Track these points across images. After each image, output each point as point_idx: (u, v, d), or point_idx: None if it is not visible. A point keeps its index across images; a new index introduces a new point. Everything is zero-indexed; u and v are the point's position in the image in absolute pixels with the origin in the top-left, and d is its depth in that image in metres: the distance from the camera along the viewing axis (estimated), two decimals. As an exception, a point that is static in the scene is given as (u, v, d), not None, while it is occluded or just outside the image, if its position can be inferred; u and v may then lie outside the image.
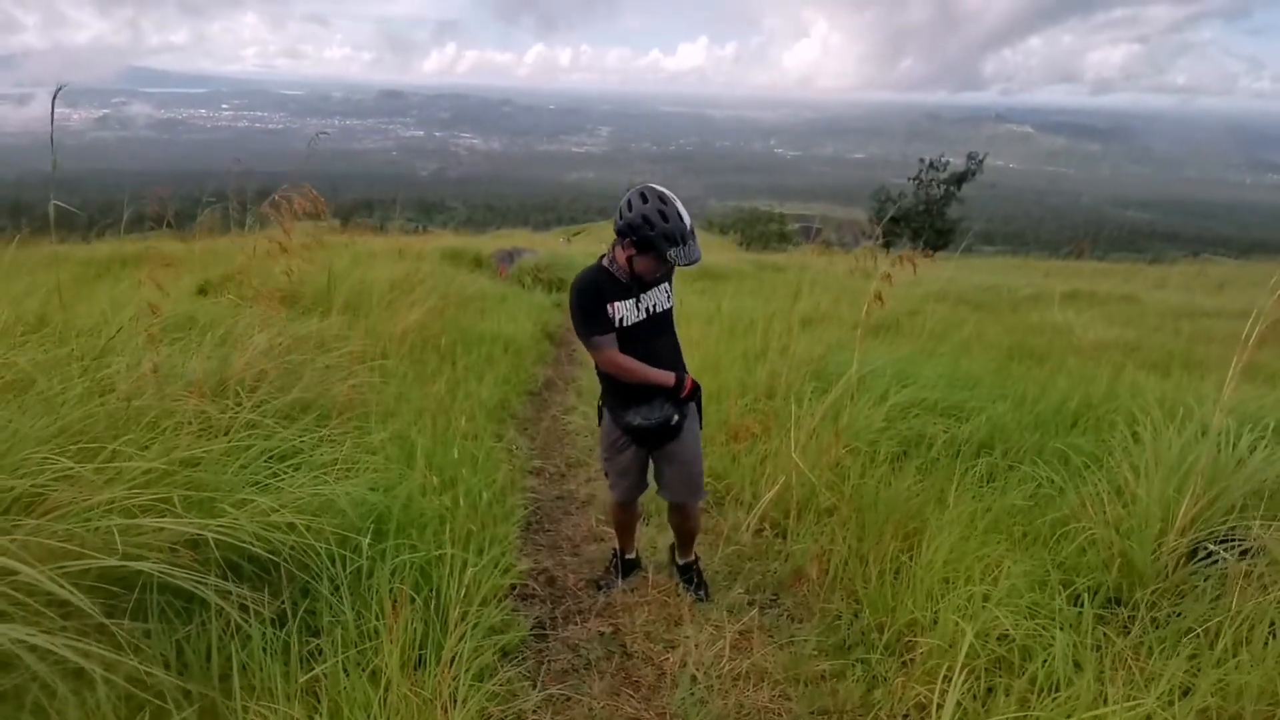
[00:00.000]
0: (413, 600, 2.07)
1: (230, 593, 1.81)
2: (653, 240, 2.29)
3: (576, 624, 2.69)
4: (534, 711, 2.12)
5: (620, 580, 2.94)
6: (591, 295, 2.43)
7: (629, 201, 2.34)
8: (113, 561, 1.58)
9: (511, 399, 5.35)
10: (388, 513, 2.33)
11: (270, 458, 2.38)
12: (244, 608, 1.83)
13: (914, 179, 41.73)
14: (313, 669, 1.78)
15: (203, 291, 5.86)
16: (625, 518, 2.92)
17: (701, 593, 2.87)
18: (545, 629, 2.64)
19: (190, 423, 2.34)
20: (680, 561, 2.96)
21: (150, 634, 1.70)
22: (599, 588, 2.93)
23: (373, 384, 3.50)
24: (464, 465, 3.15)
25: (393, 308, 5.76)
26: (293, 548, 2.02)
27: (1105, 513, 2.75)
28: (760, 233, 42.77)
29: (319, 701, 1.74)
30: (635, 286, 2.46)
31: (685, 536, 2.88)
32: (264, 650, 1.78)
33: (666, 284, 2.58)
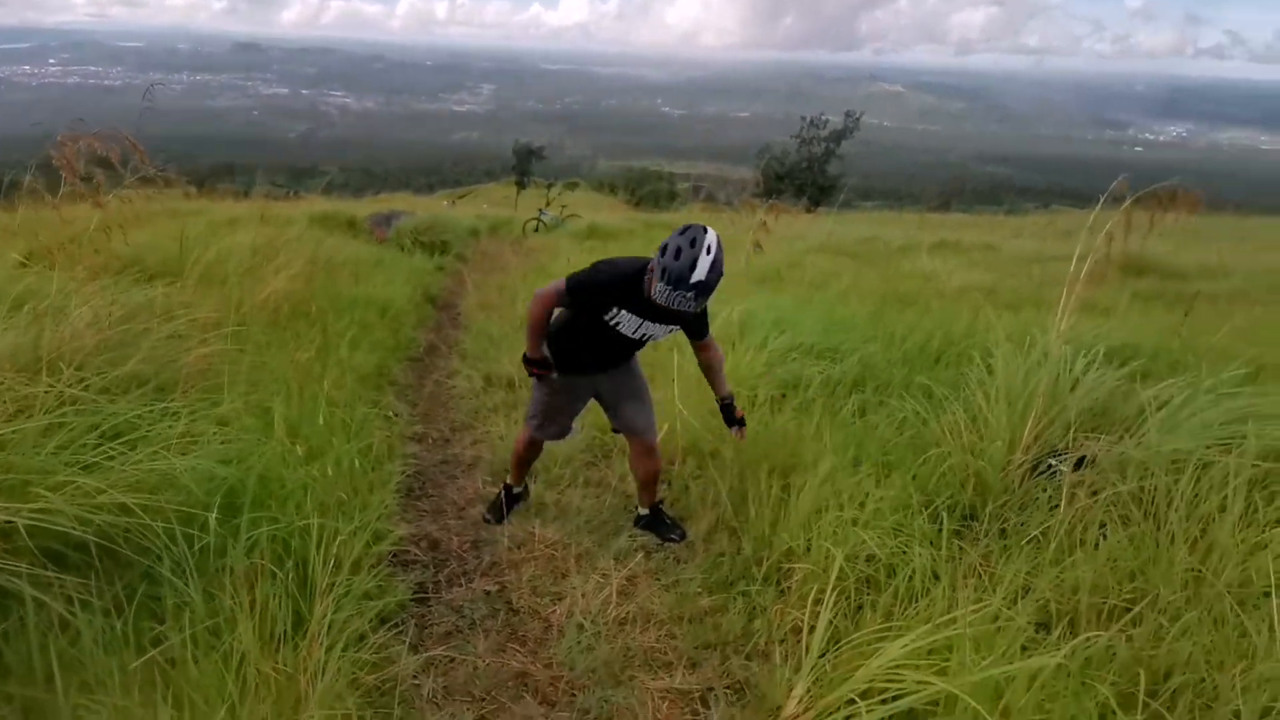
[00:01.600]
0: (274, 575, 1.93)
1: (50, 584, 1.62)
2: (657, 266, 2.23)
3: (461, 586, 2.62)
4: (414, 676, 2.06)
5: (507, 513, 3.06)
6: (605, 288, 2.42)
7: (684, 229, 2.29)
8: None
9: (390, 365, 5.11)
10: (241, 486, 2.15)
11: (101, 437, 2.14)
12: (70, 599, 1.65)
13: (796, 136, 42.93)
14: (152, 655, 1.62)
15: (25, 265, 5.21)
16: (533, 454, 3.03)
17: (676, 535, 2.94)
18: (428, 593, 2.56)
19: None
20: (644, 511, 3.01)
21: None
22: (486, 520, 3.06)
23: (227, 353, 3.22)
24: (334, 433, 2.98)
25: (254, 274, 5.32)
26: (127, 530, 1.84)
27: (962, 438, 2.95)
28: (650, 191, 42.86)
29: (166, 689, 1.60)
30: (648, 308, 2.40)
31: (652, 476, 2.92)
32: (95, 642, 1.61)
33: (674, 328, 2.57)
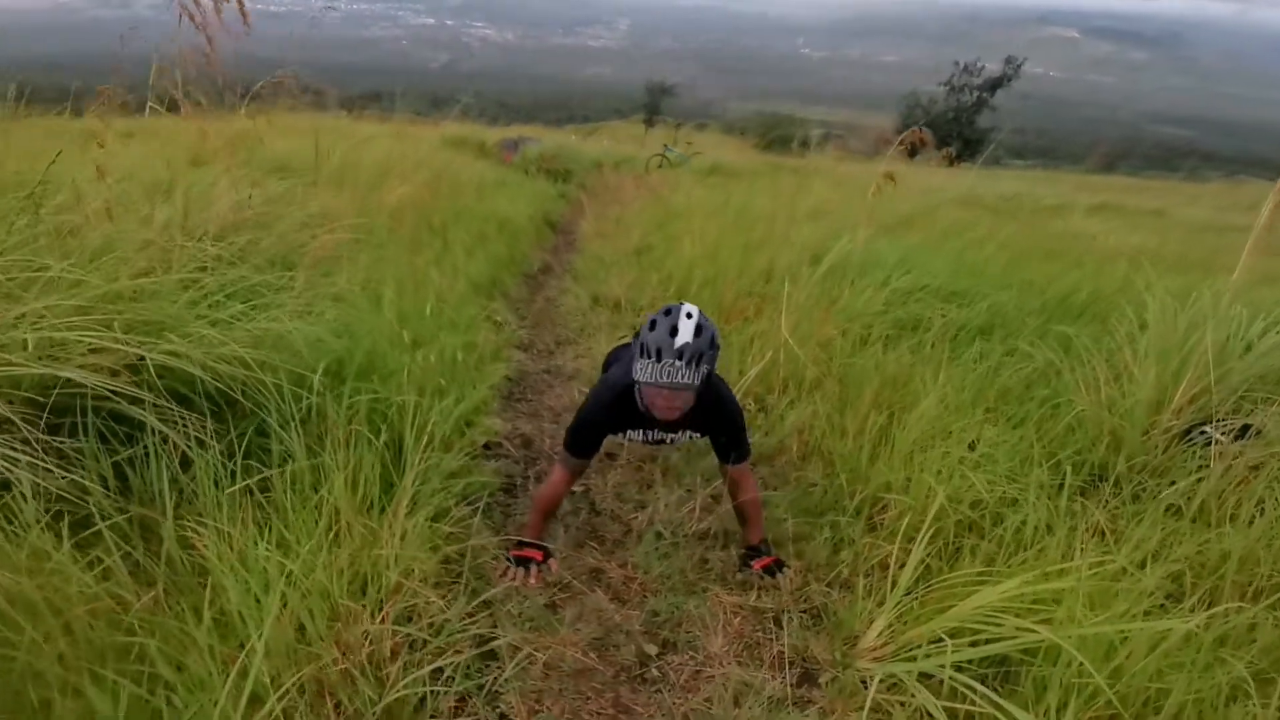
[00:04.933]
0: (369, 442, 2.01)
1: (175, 422, 1.75)
2: (636, 348, 1.95)
3: (547, 483, 2.66)
4: (493, 558, 2.11)
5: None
6: (598, 424, 2.14)
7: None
8: (35, 368, 1.50)
9: (504, 278, 5.22)
10: (348, 356, 2.25)
11: (228, 298, 2.28)
12: (194, 440, 1.77)
13: (945, 84, 39.79)
14: (260, 499, 1.73)
15: (194, 165, 5.66)
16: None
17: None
18: (515, 485, 2.61)
19: (141, 255, 2.22)
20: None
21: (85, 453, 1.64)
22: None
23: (350, 242, 3.36)
24: (441, 329, 3.06)
25: (384, 181, 5.54)
26: (245, 385, 1.95)
27: (1100, 393, 2.65)
28: (779, 136, 41.30)
29: (266, 528, 1.71)
30: (652, 420, 2.06)
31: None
32: (208, 476, 1.72)
33: (693, 433, 2.22)
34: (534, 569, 2.09)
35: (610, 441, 2.86)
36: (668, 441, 2.27)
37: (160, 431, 1.72)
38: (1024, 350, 3.07)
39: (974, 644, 1.57)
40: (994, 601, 1.59)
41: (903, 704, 1.57)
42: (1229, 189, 23.83)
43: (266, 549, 1.50)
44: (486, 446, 2.81)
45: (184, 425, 1.79)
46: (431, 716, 1.52)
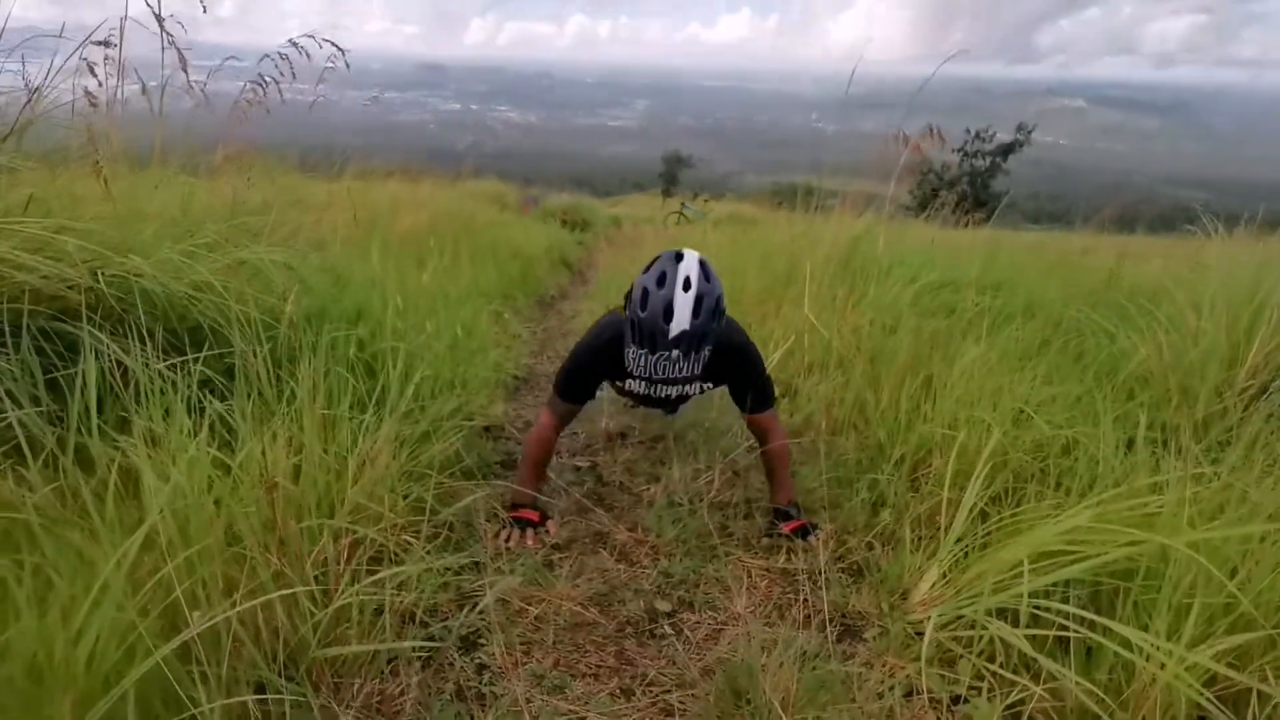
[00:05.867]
0: (348, 380, 1.80)
1: (129, 350, 1.55)
2: (626, 323, 1.73)
3: (550, 460, 2.41)
4: (486, 520, 1.85)
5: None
6: (591, 359, 1.91)
7: (652, 263, 1.75)
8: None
9: (517, 295, 5.09)
10: (333, 303, 2.07)
11: (209, 245, 2.12)
12: (136, 356, 1.58)
13: (958, 150, 40.44)
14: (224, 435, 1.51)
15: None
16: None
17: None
18: (516, 462, 2.38)
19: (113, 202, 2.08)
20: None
21: (17, 369, 1.45)
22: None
23: (349, 225, 3.23)
24: (439, 304, 2.88)
25: (394, 212, 5.46)
26: (215, 318, 1.77)
27: (1163, 352, 2.38)
28: (790, 200, 41.87)
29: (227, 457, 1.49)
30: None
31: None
32: (154, 401, 1.51)
33: (704, 384, 1.96)
34: (530, 531, 1.84)
35: (621, 423, 2.64)
36: (673, 396, 2.01)
37: (108, 354, 1.53)
38: (1072, 319, 2.82)
39: (1056, 569, 1.29)
40: (1083, 523, 1.31)
41: (969, 644, 1.27)
42: (1261, 236, 23.38)
43: (200, 446, 1.28)
44: (487, 429, 2.59)
45: (142, 353, 1.60)
46: (390, 660, 1.25)
